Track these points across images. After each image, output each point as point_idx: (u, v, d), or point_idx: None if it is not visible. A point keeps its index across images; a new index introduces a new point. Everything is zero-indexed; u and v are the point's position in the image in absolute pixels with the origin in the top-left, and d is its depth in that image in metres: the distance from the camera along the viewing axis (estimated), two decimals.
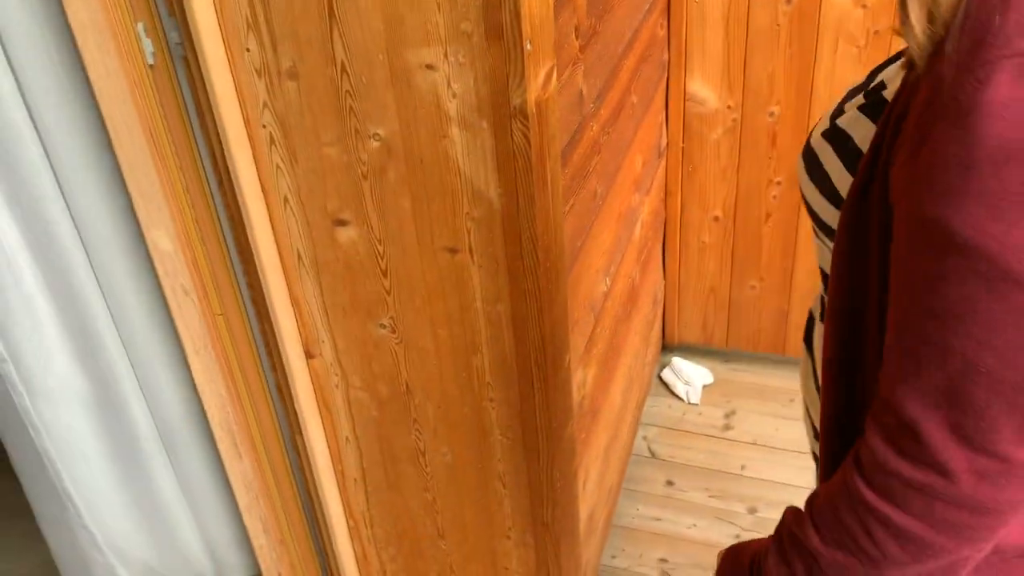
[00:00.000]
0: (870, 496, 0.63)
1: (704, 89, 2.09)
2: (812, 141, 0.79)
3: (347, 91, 1.09)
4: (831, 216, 0.75)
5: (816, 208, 0.78)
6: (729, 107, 2.10)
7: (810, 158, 0.79)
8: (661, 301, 2.43)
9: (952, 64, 0.54)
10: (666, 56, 2.05)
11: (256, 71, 1.11)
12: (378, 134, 1.11)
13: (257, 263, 1.26)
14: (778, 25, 1.95)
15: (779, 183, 2.16)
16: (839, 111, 0.78)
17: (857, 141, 0.73)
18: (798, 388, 2.39)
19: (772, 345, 2.45)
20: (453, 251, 1.17)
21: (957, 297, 0.56)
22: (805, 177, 0.80)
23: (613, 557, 2.00)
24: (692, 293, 2.44)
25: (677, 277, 2.41)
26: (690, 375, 2.47)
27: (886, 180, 0.62)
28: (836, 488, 0.66)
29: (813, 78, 1.99)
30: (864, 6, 1.87)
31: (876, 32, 1.89)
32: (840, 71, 1.96)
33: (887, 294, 0.64)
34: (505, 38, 0.98)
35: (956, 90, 0.54)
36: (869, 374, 0.70)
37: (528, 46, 0.98)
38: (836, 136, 0.75)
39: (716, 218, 2.28)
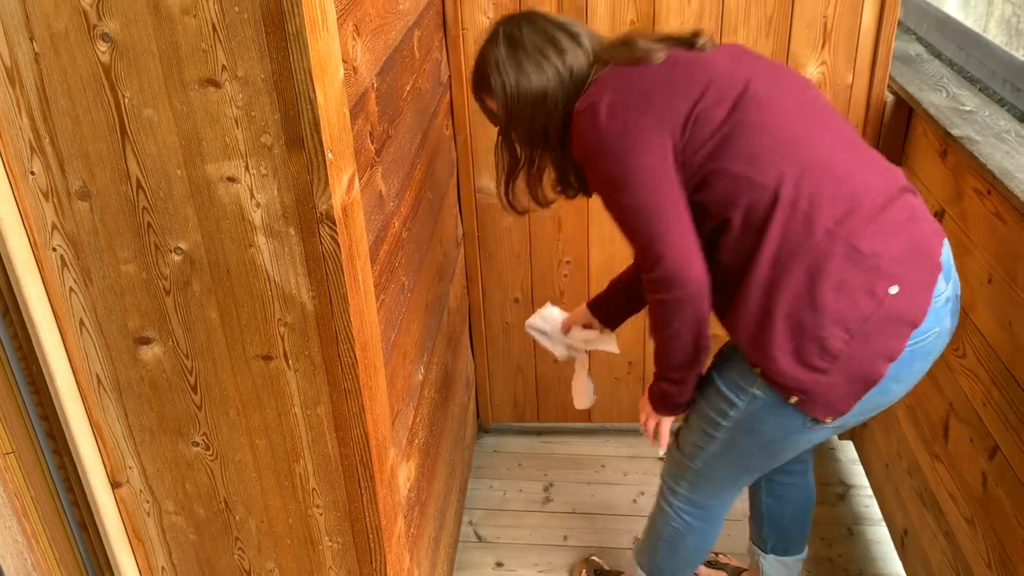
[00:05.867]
0: None
1: (492, 182, 2.21)
2: None
3: (144, 207, 1.07)
4: None
5: None
6: None
7: None
8: (473, 384, 2.49)
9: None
10: (454, 154, 2.16)
11: (43, 193, 1.07)
12: (180, 247, 1.09)
13: (52, 392, 1.18)
14: None
15: (568, 263, 2.31)
16: None
17: None
18: (607, 454, 2.54)
19: (579, 415, 2.57)
20: (267, 358, 1.16)
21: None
22: None
23: None
24: (501, 373, 2.52)
25: (486, 359, 2.48)
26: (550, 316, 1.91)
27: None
28: None
29: None
30: None
31: None
32: None
33: None
34: (306, 148, 1.01)
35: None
36: None
37: (329, 155, 1.02)
38: None
39: (516, 300, 2.38)
